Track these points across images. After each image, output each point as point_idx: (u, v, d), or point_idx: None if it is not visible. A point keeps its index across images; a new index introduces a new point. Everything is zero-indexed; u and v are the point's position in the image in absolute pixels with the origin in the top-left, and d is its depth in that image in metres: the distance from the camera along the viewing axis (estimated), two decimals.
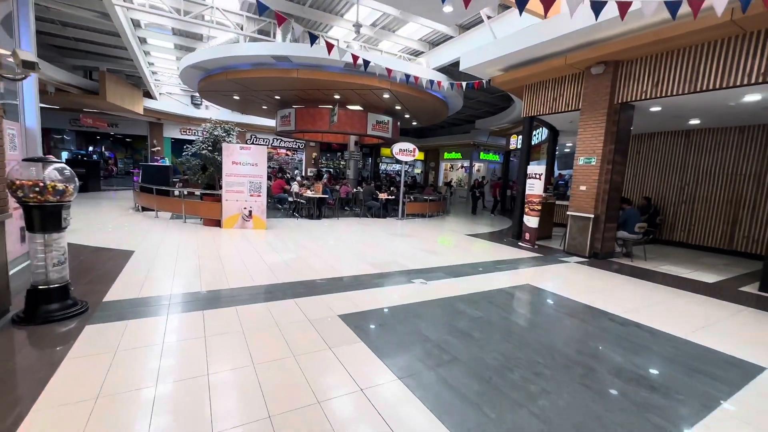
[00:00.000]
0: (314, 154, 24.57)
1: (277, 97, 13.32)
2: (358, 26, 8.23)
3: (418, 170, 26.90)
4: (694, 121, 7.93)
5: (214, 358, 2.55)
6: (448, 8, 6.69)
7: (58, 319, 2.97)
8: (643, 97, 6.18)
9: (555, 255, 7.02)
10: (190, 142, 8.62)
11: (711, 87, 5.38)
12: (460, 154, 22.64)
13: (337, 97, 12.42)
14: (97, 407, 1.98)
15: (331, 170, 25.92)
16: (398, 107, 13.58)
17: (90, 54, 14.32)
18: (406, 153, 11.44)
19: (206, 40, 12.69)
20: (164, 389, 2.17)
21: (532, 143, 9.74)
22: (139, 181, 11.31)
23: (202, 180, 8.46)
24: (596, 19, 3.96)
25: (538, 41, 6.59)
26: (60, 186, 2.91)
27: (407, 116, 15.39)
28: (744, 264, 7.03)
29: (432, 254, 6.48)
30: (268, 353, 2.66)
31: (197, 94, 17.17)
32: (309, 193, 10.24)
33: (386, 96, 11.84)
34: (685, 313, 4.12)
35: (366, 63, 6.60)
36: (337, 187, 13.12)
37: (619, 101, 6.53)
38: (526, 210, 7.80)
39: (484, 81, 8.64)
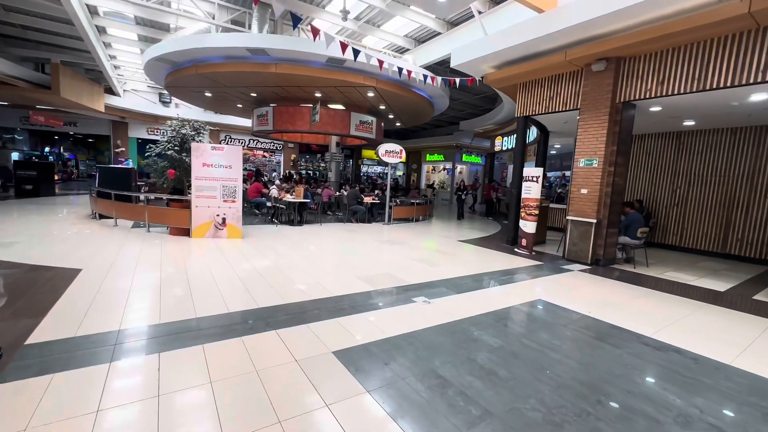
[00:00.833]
0: (293, 156, 23.65)
1: (253, 95, 12.43)
2: (345, 13, 7.56)
3: (400, 172, 26.42)
4: (689, 123, 7.77)
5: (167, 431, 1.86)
6: None
7: None
8: (647, 96, 5.87)
9: (555, 262, 6.62)
10: (156, 142, 7.71)
11: (720, 85, 5.09)
12: (442, 156, 22.34)
13: (318, 95, 11.70)
14: None
15: (310, 172, 24.99)
16: (383, 107, 13.00)
17: (41, 44, 12.97)
18: (392, 155, 10.85)
19: (173, 31, 11.65)
20: None
21: None
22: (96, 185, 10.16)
23: (168, 183, 7.54)
24: None
25: (536, 36, 6.19)
26: None
27: (391, 116, 14.83)
28: (743, 268, 6.86)
29: (428, 265, 5.91)
30: (244, 419, 1.99)
31: (166, 92, 15.96)
32: (289, 198, 9.45)
33: (371, 94, 11.23)
34: (715, 330, 3.73)
35: (356, 52, 5.97)
36: (319, 190, 12.37)
37: (622, 100, 6.20)
38: (523, 214, 7.39)
39: (477, 79, 8.19)
